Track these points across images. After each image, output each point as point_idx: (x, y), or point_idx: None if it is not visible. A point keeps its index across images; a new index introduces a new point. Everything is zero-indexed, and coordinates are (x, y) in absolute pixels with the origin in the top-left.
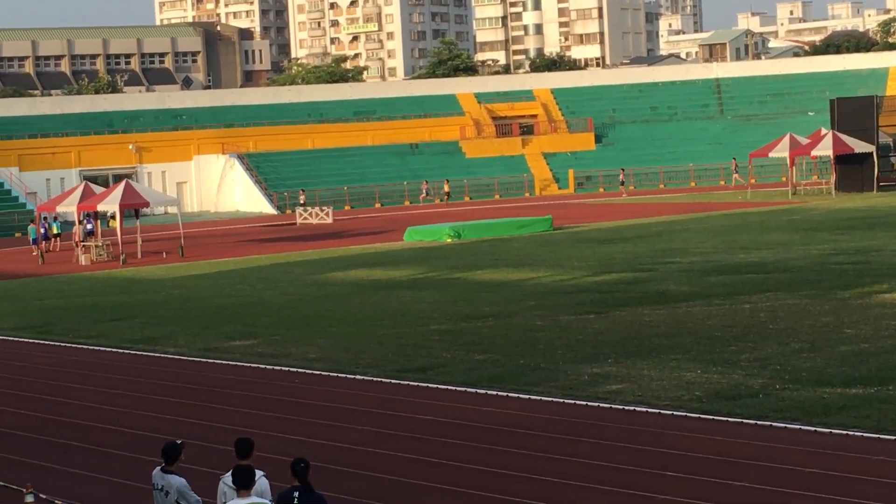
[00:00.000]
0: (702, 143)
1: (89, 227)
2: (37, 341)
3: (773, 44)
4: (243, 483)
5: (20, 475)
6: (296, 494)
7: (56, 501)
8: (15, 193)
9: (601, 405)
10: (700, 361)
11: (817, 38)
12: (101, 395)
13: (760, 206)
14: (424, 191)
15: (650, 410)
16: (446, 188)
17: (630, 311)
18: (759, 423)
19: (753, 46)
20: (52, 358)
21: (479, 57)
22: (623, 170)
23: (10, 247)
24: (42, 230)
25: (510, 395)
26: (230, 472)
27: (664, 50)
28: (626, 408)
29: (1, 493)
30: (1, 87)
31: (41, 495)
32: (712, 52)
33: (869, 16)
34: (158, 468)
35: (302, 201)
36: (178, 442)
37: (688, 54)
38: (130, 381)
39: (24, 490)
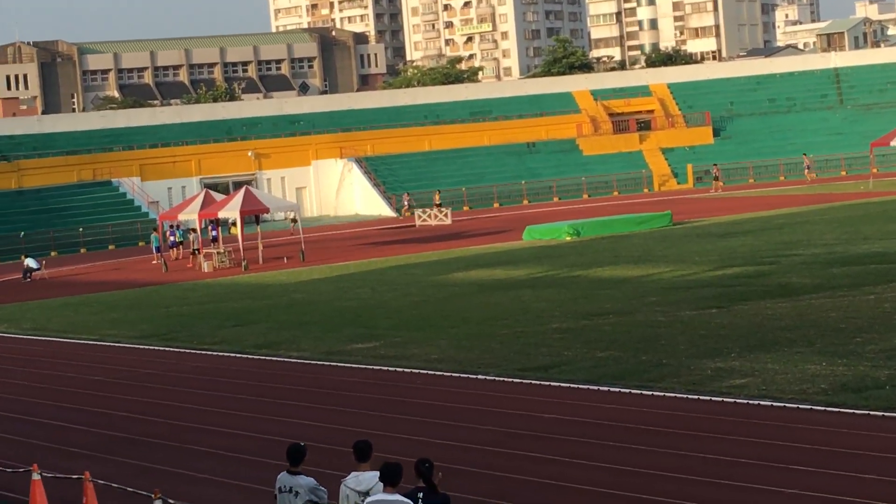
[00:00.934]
0: (822, 133)
1: (214, 233)
2: (162, 348)
3: (892, 31)
4: (392, 480)
5: (148, 481)
6: (420, 495)
7: None
8: (137, 203)
9: (725, 400)
10: (824, 354)
11: None
12: (225, 400)
13: (882, 195)
14: (406, 203)
15: (775, 404)
16: (437, 199)
17: (752, 304)
18: (886, 414)
19: (872, 34)
20: (177, 364)
21: (594, 54)
22: (716, 165)
23: (133, 255)
24: (172, 238)
25: (633, 391)
26: (351, 475)
27: (781, 41)
28: (751, 402)
29: (130, 499)
30: (122, 98)
31: (169, 500)
32: (830, 41)
33: None
34: (284, 472)
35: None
36: (302, 444)
37: (805, 44)
38: (254, 385)
39: (153, 496)
